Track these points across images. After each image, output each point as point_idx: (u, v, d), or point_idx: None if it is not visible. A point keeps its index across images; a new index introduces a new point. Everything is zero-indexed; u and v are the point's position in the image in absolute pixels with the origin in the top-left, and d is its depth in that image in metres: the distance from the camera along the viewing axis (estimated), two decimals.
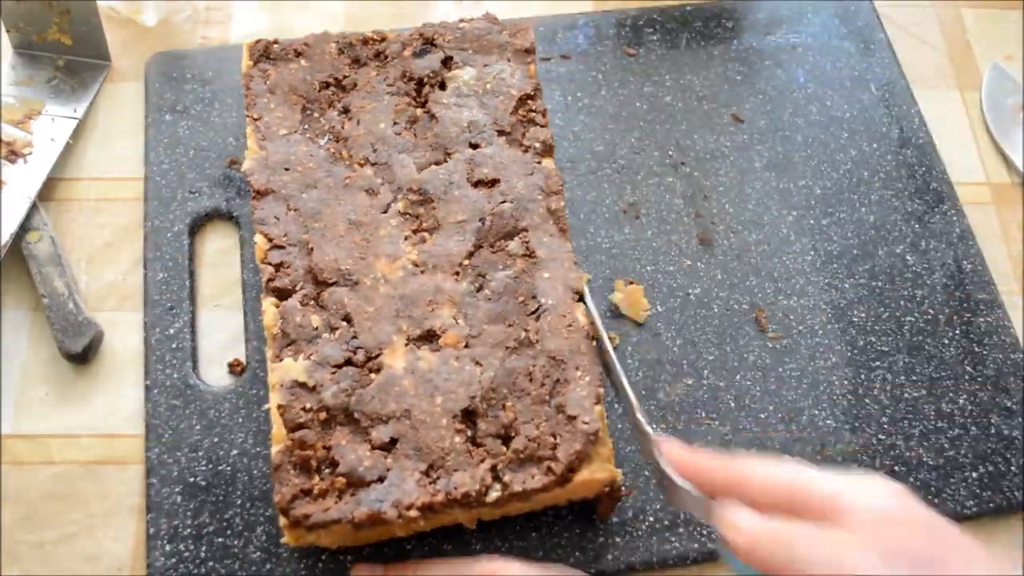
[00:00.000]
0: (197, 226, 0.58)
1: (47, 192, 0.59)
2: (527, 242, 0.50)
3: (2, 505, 0.50)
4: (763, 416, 0.53)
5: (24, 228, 0.56)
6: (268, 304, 0.48)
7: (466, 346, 0.47)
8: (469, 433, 0.45)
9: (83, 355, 0.53)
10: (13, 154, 0.58)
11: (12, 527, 0.50)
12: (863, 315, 0.57)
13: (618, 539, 0.49)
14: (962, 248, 0.60)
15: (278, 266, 0.49)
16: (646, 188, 0.61)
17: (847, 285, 0.58)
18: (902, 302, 0.58)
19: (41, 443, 0.52)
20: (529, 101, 0.54)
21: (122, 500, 0.51)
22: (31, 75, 0.62)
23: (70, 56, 0.63)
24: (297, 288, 0.48)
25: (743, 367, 0.55)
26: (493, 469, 0.44)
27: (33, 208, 0.57)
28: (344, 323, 0.47)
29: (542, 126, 0.54)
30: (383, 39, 0.57)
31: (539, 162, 0.53)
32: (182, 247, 0.57)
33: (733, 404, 0.54)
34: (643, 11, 0.68)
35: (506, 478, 0.43)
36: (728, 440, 0.52)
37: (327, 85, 0.55)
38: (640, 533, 0.50)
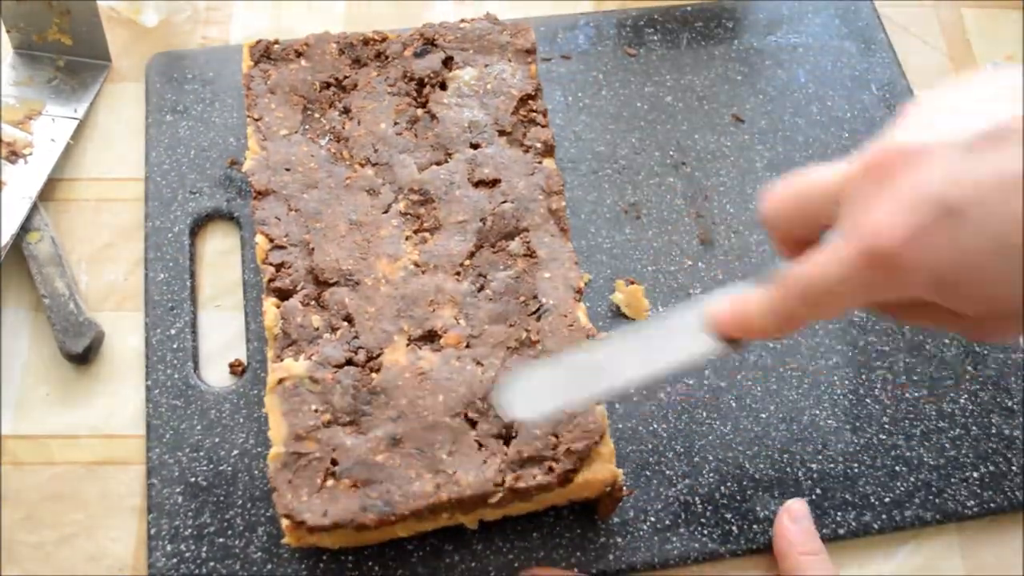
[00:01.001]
0: (198, 226, 0.58)
1: (47, 192, 0.59)
2: (528, 242, 0.50)
3: (2, 505, 0.50)
4: (764, 416, 0.53)
5: (25, 228, 0.56)
6: (269, 304, 0.48)
7: (467, 346, 0.47)
8: (471, 433, 0.45)
9: (84, 355, 0.53)
10: (13, 154, 0.58)
11: (12, 527, 0.50)
12: (864, 315, 0.57)
13: (619, 539, 0.49)
14: None
15: (279, 266, 0.49)
16: (647, 188, 0.61)
17: None
18: None
19: (42, 443, 0.52)
20: (530, 101, 0.54)
21: (123, 500, 0.51)
22: (31, 75, 0.62)
23: (70, 56, 0.63)
24: (298, 288, 0.48)
25: (744, 367, 0.55)
26: (496, 469, 0.44)
27: (33, 208, 0.57)
28: (345, 323, 0.47)
29: (543, 126, 0.54)
30: (384, 39, 0.57)
31: (540, 162, 0.53)
32: (183, 247, 0.57)
33: (734, 404, 0.54)
34: (644, 11, 0.68)
35: (508, 478, 0.43)
36: (729, 440, 0.52)
37: (328, 85, 0.55)
38: (641, 533, 0.50)
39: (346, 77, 0.55)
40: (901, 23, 0.70)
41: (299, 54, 0.56)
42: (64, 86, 0.62)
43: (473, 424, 0.45)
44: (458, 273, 0.49)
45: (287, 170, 0.52)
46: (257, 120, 0.53)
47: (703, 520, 0.50)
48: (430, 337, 0.47)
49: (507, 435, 0.45)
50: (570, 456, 0.44)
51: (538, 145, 0.53)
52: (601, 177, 0.61)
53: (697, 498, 0.51)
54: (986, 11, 0.71)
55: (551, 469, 0.44)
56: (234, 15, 0.67)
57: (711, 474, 0.51)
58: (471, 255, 0.50)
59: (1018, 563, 0.51)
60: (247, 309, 0.55)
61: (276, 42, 0.56)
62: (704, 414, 0.53)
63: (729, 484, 0.51)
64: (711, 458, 0.52)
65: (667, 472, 0.51)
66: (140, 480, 0.51)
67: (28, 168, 0.58)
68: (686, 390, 0.54)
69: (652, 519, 0.50)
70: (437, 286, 0.48)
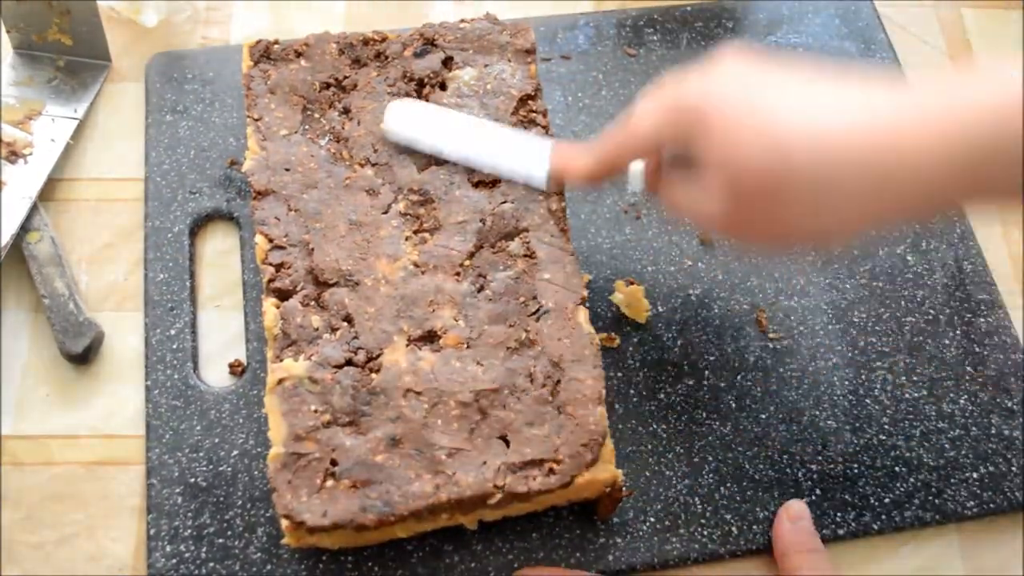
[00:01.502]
0: (198, 226, 0.58)
1: (47, 192, 0.59)
2: (528, 243, 0.50)
3: (2, 505, 0.50)
4: (764, 416, 0.53)
5: (24, 229, 0.56)
6: (269, 305, 0.48)
7: (467, 347, 0.47)
8: (471, 434, 0.45)
9: (84, 356, 0.53)
10: (13, 155, 0.58)
11: (12, 527, 0.50)
12: (864, 315, 0.57)
13: (619, 539, 0.49)
14: (963, 248, 0.60)
15: (279, 266, 0.49)
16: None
17: (848, 285, 0.58)
18: (903, 302, 0.58)
19: (41, 444, 0.52)
20: (530, 101, 0.54)
21: (123, 501, 0.51)
22: (31, 75, 0.62)
23: (70, 56, 0.63)
24: (298, 289, 0.48)
25: (744, 368, 0.55)
26: (496, 470, 0.44)
27: (33, 209, 0.57)
28: (345, 323, 0.47)
29: (543, 126, 0.54)
30: (383, 39, 0.57)
31: None
32: (183, 247, 0.57)
33: (734, 404, 0.54)
34: (643, 11, 0.68)
35: (508, 479, 0.43)
36: (729, 440, 0.52)
37: (328, 85, 0.55)
38: (641, 533, 0.50)
39: (346, 77, 0.55)
40: (901, 23, 0.70)
41: (299, 54, 0.56)
42: (64, 86, 0.62)
43: (473, 425, 0.45)
44: (458, 273, 0.49)
45: (287, 170, 0.52)
46: (257, 120, 0.53)
47: (703, 520, 0.50)
48: (430, 337, 0.47)
49: (507, 436, 0.45)
50: (574, 461, 0.44)
51: None
52: None
53: (697, 498, 0.51)
54: (986, 11, 0.71)
55: (551, 472, 0.44)
56: (234, 15, 0.67)
57: (711, 474, 0.51)
58: (471, 255, 0.50)
59: (1018, 564, 0.51)
60: (247, 309, 0.55)
61: (276, 42, 0.56)
62: (704, 414, 0.53)
63: (729, 484, 0.51)
64: (711, 458, 0.52)
65: (667, 472, 0.51)
66: (140, 480, 0.51)
67: (28, 168, 0.58)
68: (686, 390, 0.54)
69: (652, 519, 0.50)
70: (437, 286, 0.48)
